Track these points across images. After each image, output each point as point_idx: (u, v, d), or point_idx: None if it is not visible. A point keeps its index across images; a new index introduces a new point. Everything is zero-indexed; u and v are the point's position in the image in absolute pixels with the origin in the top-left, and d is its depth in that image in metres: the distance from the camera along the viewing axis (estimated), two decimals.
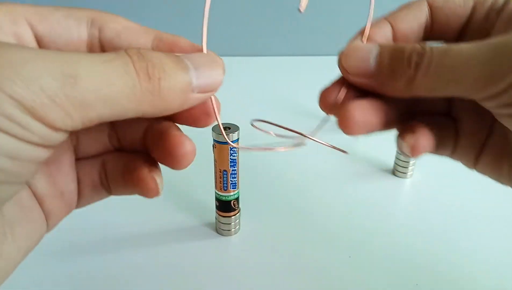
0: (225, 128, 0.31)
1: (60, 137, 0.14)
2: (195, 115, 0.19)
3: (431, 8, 0.22)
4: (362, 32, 0.22)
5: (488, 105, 0.19)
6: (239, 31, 0.79)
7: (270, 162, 0.46)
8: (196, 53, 0.18)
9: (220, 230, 0.35)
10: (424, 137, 0.22)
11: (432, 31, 0.22)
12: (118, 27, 0.19)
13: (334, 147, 0.24)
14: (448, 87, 0.18)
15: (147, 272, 0.31)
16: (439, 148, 0.23)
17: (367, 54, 0.20)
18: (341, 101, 0.21)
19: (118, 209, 0.38)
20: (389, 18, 0.22)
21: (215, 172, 0.33)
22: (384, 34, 0.22)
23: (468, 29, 0.22)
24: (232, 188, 0.33)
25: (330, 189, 0.42)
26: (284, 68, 0.71)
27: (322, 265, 0.32)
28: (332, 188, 0.42)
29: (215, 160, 0.32)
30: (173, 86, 0.16)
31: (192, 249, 0.33)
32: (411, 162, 0.43)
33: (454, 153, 0.23)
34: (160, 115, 0.17)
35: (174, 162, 0.19)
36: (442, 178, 0.43)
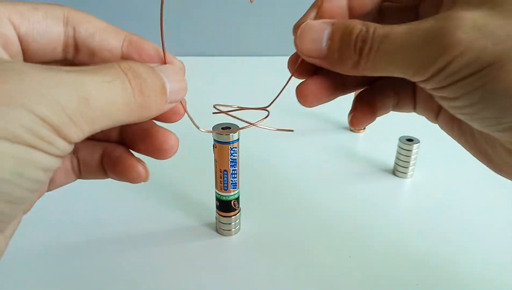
0: (225, 128, 0.31)
1: (71, 148, 0.17)
2: (167, 116, 0.22)
3: None
4: (316, 6, 0.23)
5: (423, 87, 0.20)
6: (239, 31, 0.79)
7: (270, 162, 0.46)
8: (168, 67, 0.21)
9: (220, 230, 0.35)
10: (361, 113, 0.25)
11: None
12: (91, 27, 0.21)
13: (279, 130, 0.27)
14: (388, 70, 0.20)
15: (147, 272, 0.31)
16: (400, 106, 0.26)
17: (320, 35, 0.21)
18: (299, 74, 0.24)
19: (118, 209, 0.38)
20: None
21: (215, 172, 0.33)
22: (339, 7, 0.23)
23: None
24: (232, 188, 0.33)
25: (330, 189, 0.42)
26: (284, 68, 0.71)
27: (322, 265, 0.32)
28: (332, 188, 0.42)
29: (215, 160, 0.32)
30: (156, 101, 0.19)
31: (192, 249, 0.33)
32: (411, 162, 0.43)
33: (415, 110, 0.26)
34: (141, 121, 0.20)
35: (162, 154, 0.22)
36: (442, 178, 0.43)
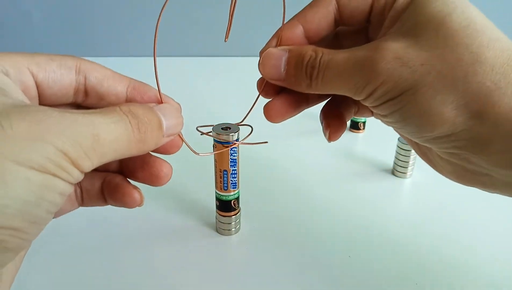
0: (225, 128, 0.31)
1: (82, 177, 0.19)
2: (166, 148, 0.26)
3: (338, 4, 0.26)
4: (277, 35, 0.27)
5: (364, 104, 0.24)
6: (239, 32, 0.79)
7: (270, 162, 0.46)
8: (165, 106, 0.24)
9: (220, 230, 0.35)
10: (334, 128, 0.28)
11: (341, 21, 0.26)
12: (99, 75, 0.24)
13: (255, 143, 0.30)
14: (335, 90, 0.24)
15: (147, 271, 0.31)
16: (360, 113, 0.30)
17: (279, 62, 0.26)
18: (266, 93, 0.28)
19: (118, 209, 0.37)
20: (300, 20, 0.26)
21: (215, 172, 0.33)
22: (297, 35, 0.26)
23: (371, 17, 0.26)
24: (232, 188, 0.33)
25: (330, 189, 0.42)
26: None
27: (322, 265, 0.32)
28: (332, 188, 0.42)
29: (215, 160, 0.32)
30: (153, 136, 0.22)
31: (192, 249, 0.33)
32: (411, 162, 0.43)
33: (373, 115, 0.29)
34: (141, 154, 0.22)
35: (158, 181, 0.25)
36: (441, 178, 0.43)
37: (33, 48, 0.79)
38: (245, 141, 0.31)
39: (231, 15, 0.26)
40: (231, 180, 0.32)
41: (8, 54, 0.21)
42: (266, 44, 0.27)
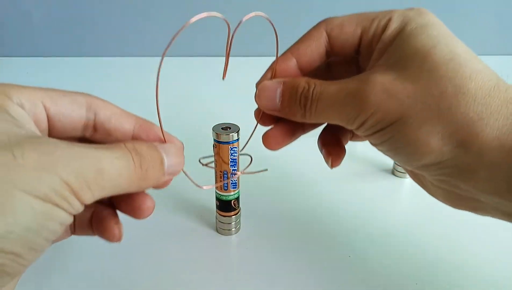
0: (225, 128, 0.31)
1: (83, 208, 0.20)
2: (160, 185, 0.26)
3: (328, 37, 0.27)
4: (272, 68, 0.28)
5: (358, 134, 0.25)
6: (239, 32, 0.79)
7: (270, 162, 0.46)
8: (168, 145, 0.25)
9: (220, 230, 0.35)
10: (336, 156, 0.30)
11: (332, 53, 0.28)
12: (108, 113, 0.25)
13: (256, 172, 0.32)
14: (328, 120, 0.26)
15: (147, 271, 0.31)
16: (355, 138, 0.31)
17: (273, 94, 0.27)
18: (263, 122, 0.29)
19: None
20: (294, 53, 0.28)
21: (215, 172, 0.33)
22: (291, 67, 0.28)
23: (361, 48, 0.27)
24: (232, 188, 0.33)
25: (330, 189, 0.42)
26: None
27: (322, 265, 0.32)
28: (332, 188, 0.42)
29: (215, 160, 0.32)
30: (154, 174, 0.23)
31: (192, 249, 0.33)
32: None
33: (351, 139, 0.31)
34: (141, 190, 0.24)
35: (139, 214, 0.25)
36: None
37: (33, 48, 0.79)
38: (246, 171, 0.32)
39: (227, 55, 0.26)
40: (231, 180, 0.32)
41: (25, 88, 0.23)
42: (261, 77, 0.29)
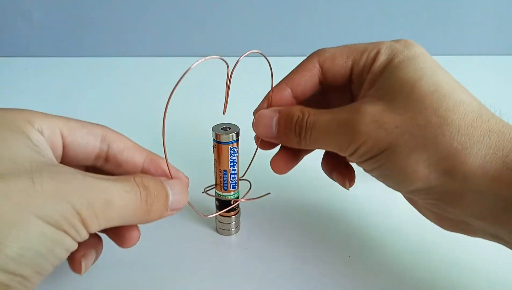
0: (225, 128, 0.31)
1: (88, 237, 0.21)
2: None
3: (321, 68, 0.29)
4: (268, 97, 0.30)
5: (351, 160, 0.27)
6: (239, 32, 0.79)
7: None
8: (175, 182, 0.26)
9: (220, 230, 0.35)
10: (350, 175, 0.32)
11: (325, 82, 0.29)
12: (121, 145, 0.26)
13: (258, 197, 0.34)
14: (322, 147, 0.28)
15: (146, 271, 0.31)
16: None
17: (270, 122, 0.28)
18: (263, 146, 0.32)
19: None
20: (288, 83, 0.29)
21: (215, 172, 0.33)
22: (286, 97, 0.29)
23: (353, 78, 0.28)
24: (232, 188, 0.33)
25: (330, 189, 0.42)
26: (284, 68, 0.71)
27: (322, 265, 0.32)
28: (332, 187, 0.42)
29: (215, 160, 0.32)
30: (158, 209, 0.24)
31: (192, 249, 0.33)
32: None
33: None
34: (144, 223, 0.24)
35: (124, 243, 0.27)
36: None
37: (33, 48, 0.79)
38: (246, 197, 0.34)
39: (227, 92, 0.28)
40: (231, 180, 0.32)
41: (47, 116, 0.24)
42: (258, 106, 0.30)
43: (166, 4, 0.75)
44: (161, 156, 0.27)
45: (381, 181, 0.27)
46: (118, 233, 0.26)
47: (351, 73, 0.28)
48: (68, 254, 0.21)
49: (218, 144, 0.31)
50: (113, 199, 0.21)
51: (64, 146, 0.24)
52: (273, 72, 0.29)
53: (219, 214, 0.33)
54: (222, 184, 0.33)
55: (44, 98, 0.61)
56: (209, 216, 0.31)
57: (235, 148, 0.31)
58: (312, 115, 0.27)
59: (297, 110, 0.28)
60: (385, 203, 0.40)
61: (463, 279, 0.31)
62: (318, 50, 0.29)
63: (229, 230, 0.35)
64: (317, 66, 0.29)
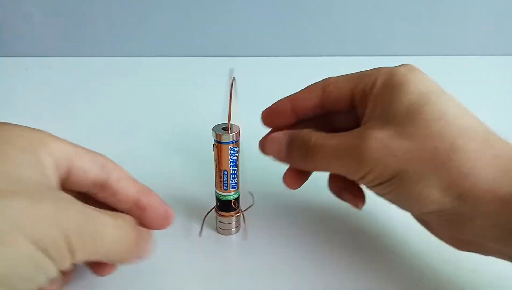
0: (225, 128, 0.31)
1: (70, 267, 0.21)
2: (160, 223, 0.29)
3: (324, 91, 0.30)
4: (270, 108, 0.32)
5: (361, 184, 0.29)
6: (239, 32, 0.79)
7: (270, 162, 0.46)
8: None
9: (220, 230, 0.35)
10: (360, 196, 0.32)
11: (327, 104, 0.30)
12: (118, 175, 0.26)
13: (245, 210, 0.35)
14: (330, 170, 0.30)
15: (146, 271, 0.31)
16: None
17: (280, 146, 0.30)
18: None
19: None
20: (291, 99, 0.31)
21: (215, 172, 0.33)
22: (285, 110, 0.31)
23: (356, 102, 0.29)
24: (233, 188, 0.33)
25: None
26: (284, 68, 0.71)
27: (322, 265, 0.32)
28: None
29: (215, 160, 0.32)
30: (142, 249, 0.26)
31: (192, 249, 0.33)
32: None
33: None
34: (120, 264, 0.26)
35: (98, 272, 0.28)
36: None
37: (33, 48, 0.79)
38: (246, 210, 0.35)
39: (230, 107, 0.29)
40: (231, 180, 0.32)
41: (59, 140, 0.24)
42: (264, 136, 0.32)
43: (166, 4, 0.75)
44: (152, 190, 0.28)
45: (395, 204, 0.27)
46: (97, 263, 0.27)
47: (353, 96, 0.29)
48: (47, 282, 0.20)
49: (218, 144, 0.31)
50: (104, 233, 0.22)
51: (68, 171, 0.25)
52: (233, 90, 0.31)
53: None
54: (222, 184, 0.33)
55: (44, 98, 0.61)
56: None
57: (236, 148, 0.31)
58: (320, 139, 0.27)
59: (306, 134, 0.28)
60: (385, 203, 0.40)
61: (463, 279, 0.31)
62: (326, 78, 0.30)
63: (229, 230, 0.35)
64: (321, 89, 0.30)
